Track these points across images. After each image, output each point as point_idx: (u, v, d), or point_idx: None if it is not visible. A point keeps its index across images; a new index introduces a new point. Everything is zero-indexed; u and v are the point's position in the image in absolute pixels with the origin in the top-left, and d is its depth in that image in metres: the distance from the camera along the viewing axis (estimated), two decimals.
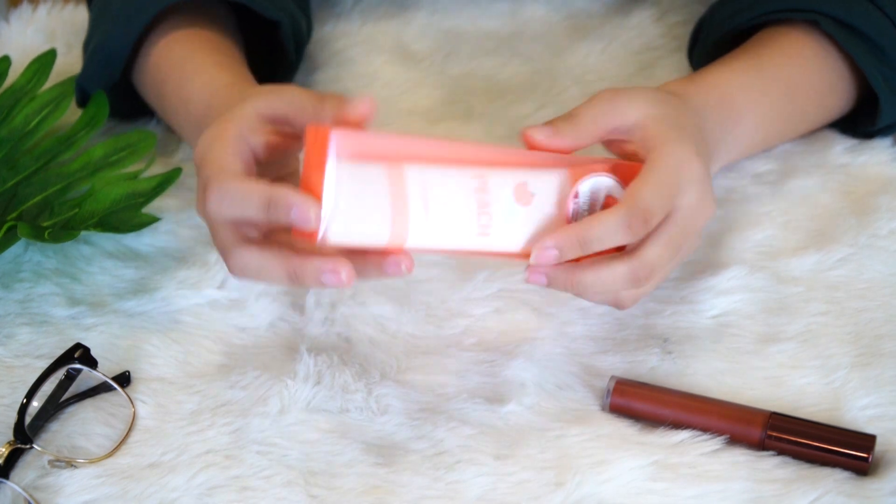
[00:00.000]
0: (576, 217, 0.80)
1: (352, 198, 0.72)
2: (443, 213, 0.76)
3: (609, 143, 0.84)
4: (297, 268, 0.73)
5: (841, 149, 0.99)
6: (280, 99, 0.76)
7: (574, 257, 0.78)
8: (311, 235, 0.72)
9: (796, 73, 0.94)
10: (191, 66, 0.92)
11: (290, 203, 0.71)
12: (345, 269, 0.72)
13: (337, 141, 0.71)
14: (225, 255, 0.75)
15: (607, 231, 0.77)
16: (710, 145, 0.86)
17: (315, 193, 0.72)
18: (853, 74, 0.96)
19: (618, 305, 0.82)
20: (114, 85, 0.99)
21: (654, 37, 1.12)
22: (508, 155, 0.79)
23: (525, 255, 0.78)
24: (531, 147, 0.80)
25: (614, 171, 0.80)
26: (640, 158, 0.80)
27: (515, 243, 0.78)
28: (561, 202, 0.79)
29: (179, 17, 0.97)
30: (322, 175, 0.71)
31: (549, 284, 0.79)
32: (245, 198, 0.73)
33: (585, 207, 0.80)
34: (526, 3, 1.16)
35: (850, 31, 0.94)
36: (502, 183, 0.77)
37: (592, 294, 0.80)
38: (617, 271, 0.78)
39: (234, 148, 0.75)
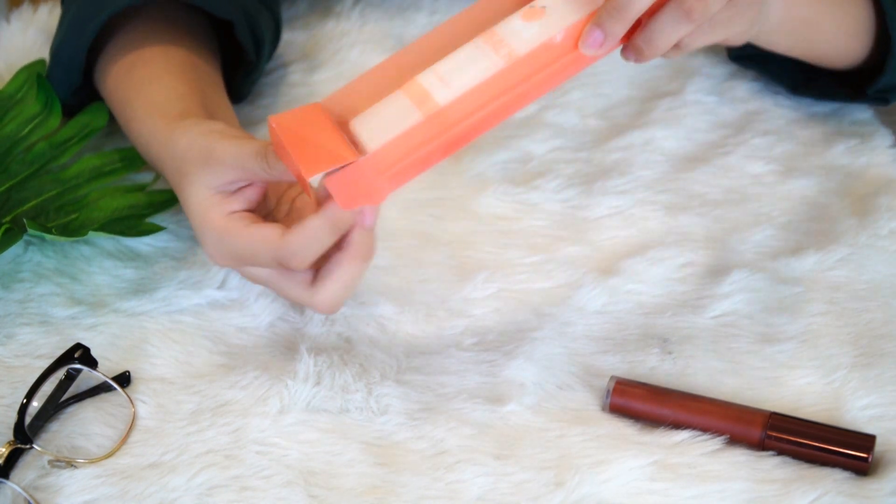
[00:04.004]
0: None
1: (378, 119, 0.75)
2: (464, 79, 0.76)
3: None
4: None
5: (841, 149, 0.99)
6: (223, 172, 0.79)
7: (620, 32, 0.75)
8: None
9: None
10: (138, 103, 0.91)
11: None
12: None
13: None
14: (238, 269, 0.83)
15: None
16: None
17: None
18: (872, 19, 0.95)
19: (687, 13, 0.75)
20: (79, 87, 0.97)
21: None
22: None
23: (564, 51, 0.76)
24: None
25: None
26: None
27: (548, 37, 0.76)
28: None
29: (137, 21, 0.95)
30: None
31: (639, 55, 0.77)
32: (313, 243, 0.77)
33: None
34: None
35: None
36: (505, 21, 0.76)
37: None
38: None
39: (240, 227, 0.79)
